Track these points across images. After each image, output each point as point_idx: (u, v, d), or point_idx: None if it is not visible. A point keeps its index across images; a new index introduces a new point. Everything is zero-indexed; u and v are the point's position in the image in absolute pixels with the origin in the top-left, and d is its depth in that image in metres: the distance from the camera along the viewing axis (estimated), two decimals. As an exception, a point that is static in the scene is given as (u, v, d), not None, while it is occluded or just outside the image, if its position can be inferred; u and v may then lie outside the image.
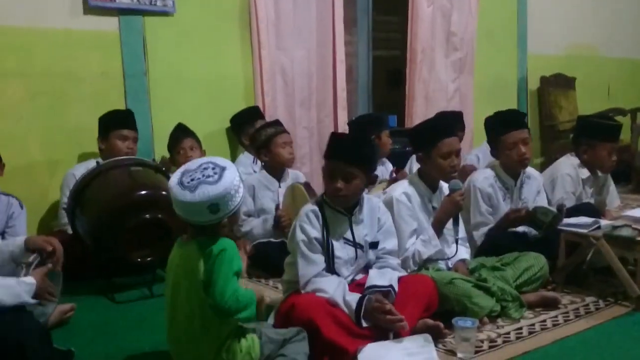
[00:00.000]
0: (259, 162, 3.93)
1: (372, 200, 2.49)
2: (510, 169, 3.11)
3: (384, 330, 2.19)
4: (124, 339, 2.42)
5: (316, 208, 2.33)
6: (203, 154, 3.81)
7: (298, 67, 4.36)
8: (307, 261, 2.26)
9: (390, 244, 2.46)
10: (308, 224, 2.29)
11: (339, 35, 4.48)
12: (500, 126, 3.11)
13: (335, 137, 2.43)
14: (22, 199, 3.16)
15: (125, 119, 3.44)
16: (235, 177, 1.87)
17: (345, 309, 2.18)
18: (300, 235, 2.28)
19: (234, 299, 1.81)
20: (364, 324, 2.16)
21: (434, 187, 2.76)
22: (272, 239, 3.32)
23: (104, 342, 2.38)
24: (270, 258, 3.14)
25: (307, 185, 3.26)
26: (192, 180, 1.82)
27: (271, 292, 2.89)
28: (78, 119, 3.55)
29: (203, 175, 1.83)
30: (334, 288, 2.22)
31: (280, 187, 3.46)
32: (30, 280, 2.08)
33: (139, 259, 2.85)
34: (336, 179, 2.28)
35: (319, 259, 2.28)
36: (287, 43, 4.28)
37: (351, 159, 2.29)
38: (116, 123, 3.38)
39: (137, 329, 2.51)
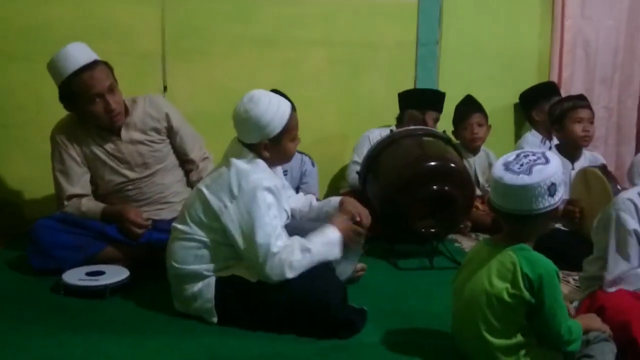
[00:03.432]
0: (547, 142, 3.75)
1: None
2: None
3: None
4: (408, 305, 2.46)
5: (637, 196, 2.09)
6: (489, 129, 3.71)
7: (603, 39, 3.98)
8: (620, 256, 2.05)
9: None
10: (628, 214, 2.06)
11: (656, 4, 3.96)
12: None
13: None
14: (317, 159, 3.45)
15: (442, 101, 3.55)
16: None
17: None
18: (615, 227, 2.07)
19: (567, 331, 1.76)
20: None
21: None
22: (560, 226, 3.09)
23: (390, 305, 2.44)
24: (557, 245, 2.91)
25: (603, 169, 2.89)
26: (521, 165, 1.75)
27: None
28: (371, 87, 3.72)
29: (529, 160, 1.75)
30: None
31: (573, 169, 3.19)
32: (335, 235, 2.21)
33: (423, 229, 2.91)
34: None
35: (635, 255, 2.05)
36: (594, 12, 3.93)
37: None
38: (432, 104, 3.49)
39: (419, 298, 2.54)
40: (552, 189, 1.72)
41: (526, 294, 1.72)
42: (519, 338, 1.77)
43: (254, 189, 2.11)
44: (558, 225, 3.07)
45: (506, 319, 1.76)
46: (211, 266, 2.19)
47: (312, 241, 2.17)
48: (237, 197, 2.11)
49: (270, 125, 2.16)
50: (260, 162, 2.20)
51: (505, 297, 1.74)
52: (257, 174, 2.15)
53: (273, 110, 2.16)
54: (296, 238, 2.17)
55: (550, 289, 1.73)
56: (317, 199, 2.88)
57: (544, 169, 1.73)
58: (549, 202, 1.74)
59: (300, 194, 2.66)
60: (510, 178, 1.74)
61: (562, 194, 1.78)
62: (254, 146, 2.19)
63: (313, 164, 3.45)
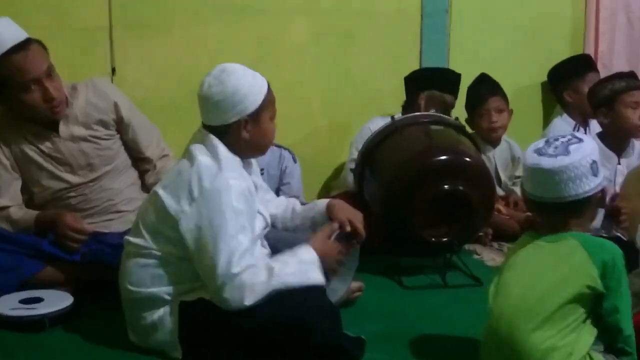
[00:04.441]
0: (582, 128, 3.79)
1: None
2: None
3: None
4: (416, 331, 2.46)
5: None
6: (510, 115, 3.69)
7: (651, 0, 4.02)
8: None
9: None
10: None
11: None
12: None
13: None
14: (301, 156, 3.45)
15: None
16: None
17: None
18: None
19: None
20: None
21: None
22: (602, 233, 3.06)
23: (394, 331, 2.45)
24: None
25: None
26: (555, 148, 1.87)
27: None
28: (366, 66, 3.73)
29: (562, 142, 1.89)
30: None
31: (619, 163, 3.22)
32: (310, 256, 2.18)
33: (433, 239, 2.89)
34: None
35: None
36: (638, -33, 3.99)
37: None
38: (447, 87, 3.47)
39: (429, 322, 2.55)
40: (594, 167, 1.85)
41: (599, 282, 1.80)
42: (571, 343, 1.82)
43: (218, 192, 2.09)
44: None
45: (564, 319, 1.81)
46: (173, 288, 2.17)
47: (281, 260, 2.16)
48: (197, 199, 2.10)
49: (249, 97, 2.18)
50: (230, 159, 2.18)
51: (573, 291, 1.81)
52: (225, 172, 2.14)
53: (249, 81, 2.20)
54: (263, 258, 2.19)
55: (623, 271, 1.84)
56: (302, 203, 2.85)
57: (581, 146, 1.86)
58: (594, 183, 1.86)
59: (282, 197, 2.68)
60: (548, 162, 1.85)
61: (603, 176, 1.89)
62: (230, 128, 2.19)
63: (295, 160, 3.43)
